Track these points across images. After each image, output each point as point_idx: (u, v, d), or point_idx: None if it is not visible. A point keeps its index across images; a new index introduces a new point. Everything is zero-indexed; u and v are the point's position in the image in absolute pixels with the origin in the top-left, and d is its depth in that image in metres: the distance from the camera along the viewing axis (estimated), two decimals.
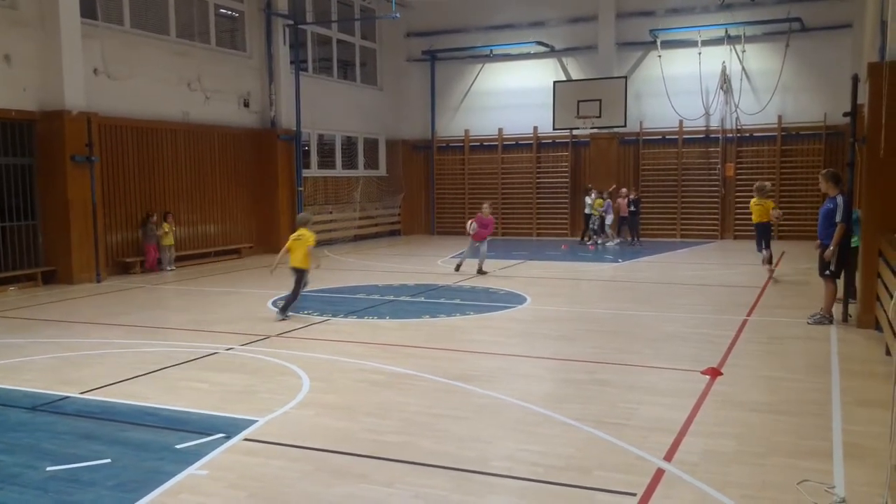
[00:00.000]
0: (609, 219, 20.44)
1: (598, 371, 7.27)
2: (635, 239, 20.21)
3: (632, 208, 20.11)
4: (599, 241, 20.34)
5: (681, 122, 21.72)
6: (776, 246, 18.59)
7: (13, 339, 9.09)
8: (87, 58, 14.29)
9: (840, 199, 9.20)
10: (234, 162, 18.42)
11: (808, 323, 9.31)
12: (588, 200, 20.65)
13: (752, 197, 13.94)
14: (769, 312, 10.24)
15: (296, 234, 10.18)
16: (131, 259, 15.38)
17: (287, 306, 10.14)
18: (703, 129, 21.73)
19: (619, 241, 20.52)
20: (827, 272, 9.37)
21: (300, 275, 10.22)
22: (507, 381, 6.96)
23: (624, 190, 20.62)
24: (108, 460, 5.00)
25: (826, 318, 9.38)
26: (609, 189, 20.80)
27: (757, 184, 14.06)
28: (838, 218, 9.11)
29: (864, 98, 10.62)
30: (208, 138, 17.63)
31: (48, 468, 4.87)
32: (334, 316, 10.31)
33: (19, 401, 6.44)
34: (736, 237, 21.36)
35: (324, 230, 21.27)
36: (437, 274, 14.88)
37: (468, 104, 24.56)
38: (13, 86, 13.30)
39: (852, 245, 9.49)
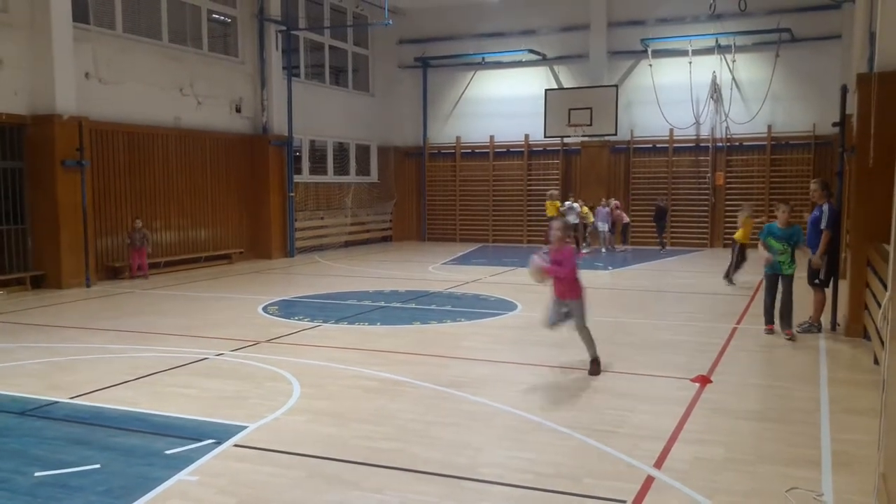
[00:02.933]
0: (605, 226, 20.44)
1: (589, 378, 7.29)
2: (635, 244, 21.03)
3: (658, 216, 20.96)
4: (604, 250, 20.39)
5: (671, 130, 21.83)
6: (764, 254, 18.73)
7: (2, 343, 9.03)
8: (78, 62, 14.26)
9: (826, 207, 9.29)
10: (225, 167, 18.39)
11: (797, 331, 9.36)
12: (569, 216, 20.59)
13: (741, 210, 14.36)
14: (758, 321, 10.25)
15: None
16: (121, 264, 15.32)
17: None
18: (694, 137, 21.85)
19: (625, 248, 20.74)
20: (816, 281, 9.43)
21: None
22: (499, 387, 6.97)
23: (613, 200, 20.84)
24: (98, 466, 4.98)
25: (815, 327, 9.44)
26: (605, 200, 20.92)
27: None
28: (823, 225, 9.21)
29: (852, 108, 10.71)
30: (200, 143, 17.60)
31: (36, 474, 4.85)
32: (325, 322, 10.30)
33: (7, 406, 6.40)
34: (725, 245, 21.39)
35: (315, 236, 21.30)
36: (428, 280, 14.88)
37: (460, 111, 24.63)
38: (4, 89, 13.25)
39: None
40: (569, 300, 7.37)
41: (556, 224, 7.32)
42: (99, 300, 12.70)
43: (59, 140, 13.62)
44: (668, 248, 21.17)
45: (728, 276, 13.93)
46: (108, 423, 5.90)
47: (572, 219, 20.31)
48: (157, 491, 4.58)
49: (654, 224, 21.20)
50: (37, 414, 6.19)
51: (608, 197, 21.24)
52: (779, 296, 9.20)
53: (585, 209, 20.60)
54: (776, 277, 9.21)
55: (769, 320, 9.32)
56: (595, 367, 7.38)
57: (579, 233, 20.66)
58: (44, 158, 13.66)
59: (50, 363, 8.01)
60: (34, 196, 13.83)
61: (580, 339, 7.45)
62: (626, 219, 21.07)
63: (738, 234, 13.91)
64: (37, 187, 13.78)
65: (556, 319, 7.53)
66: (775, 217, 9.53)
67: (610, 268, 17.05)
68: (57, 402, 6.50)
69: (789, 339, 8.88)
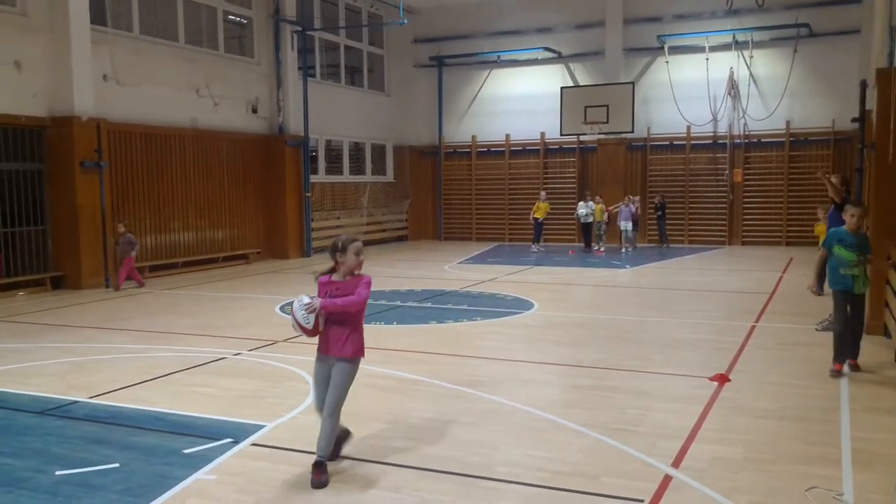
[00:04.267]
0: (628, 224, 20.32)
1: (606, 377, 7.26)
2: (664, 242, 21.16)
3: (659, 213, 21.03)
4: (624, 249, 20.27)
5: (688, 127, 21.68)
6: (783, 252, 18.58)
7: (22, 343, 9.14)
8: (96, 64, 14.38)
9: None
10: (242, 168, 18.48)
11: (817, 329, 9.27)
12: (583, 210, 20.59)
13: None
14: (777, 319, 10.21)
15: None
16: (140, 265, 15.42)
17: None
18: (711, 134, 21.69)
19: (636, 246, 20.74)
20: None
21: None
22: (514, 386, 6.95)
23: (631, 196, 20.78)
24: (117, 465, 5.02)
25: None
26: (626, 198, 20.86)
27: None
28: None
29: (872, 104, 10.59)
30: (216, 144, 17.70)
31: (57, 472, 4.90)
32: None
33: (28, 405, 6.47)
34: (744, 243, 21.29)
35: (331, 236, 21.26)
36: (444, 279, 14.88)
37: (475, 110, 24.60)
38: (23, 92, 13.39)
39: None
40: (335, 357, 4.78)
41: (354, 246, 4.75)
42: (117, 300, 12.80)
43: (77, 142, 13.75)
44: (669, 245, 21.04)
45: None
46: (128, 423, 5.95)
47: (583, 213, 20.38)
48: (176, 490, 4.61)
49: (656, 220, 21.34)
50: (57, 413, 6.25)
51: (629, 195, 21.11)
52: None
53: (599, 207, 20.52)
54: (847, 296, 7.21)
55: (843, 355, 7.22)
56: (318, 474, 4.68)
57: (594, 231, 20.63)
58: (63, 160, 13.80)
59: (69, 363, 8.09)
60: (53, 197, 13.97)
61: (320, 425, 4.81)
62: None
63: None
64: (56, 189, 13.92)
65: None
66: (817, 219, 9.02)
67: (628, 266, 16.98)
68: (77, 402, 6.56)
69: (854, 370, 7.23)
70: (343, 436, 4.99)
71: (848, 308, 7.19)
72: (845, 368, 7.18)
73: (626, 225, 20.35)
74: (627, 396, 6.57)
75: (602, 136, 22.26)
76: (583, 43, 22.87)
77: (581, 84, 22.88)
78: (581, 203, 20.94)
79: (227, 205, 18.07)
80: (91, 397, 6.69)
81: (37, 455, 5.25)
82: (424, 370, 7.48)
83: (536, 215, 21.06)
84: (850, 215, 7.22)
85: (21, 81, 13.37)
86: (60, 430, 5.81)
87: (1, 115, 13.08)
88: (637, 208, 20.52)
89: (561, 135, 22.62)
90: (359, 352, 4.84)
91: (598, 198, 20.84)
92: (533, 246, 20.96)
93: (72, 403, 6.52)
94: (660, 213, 21.12)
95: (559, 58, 23.20)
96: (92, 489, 4.63)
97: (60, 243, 13.99)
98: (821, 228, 12.37)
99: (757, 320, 10.11)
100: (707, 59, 21.19)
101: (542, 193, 21.55)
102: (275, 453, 5.24)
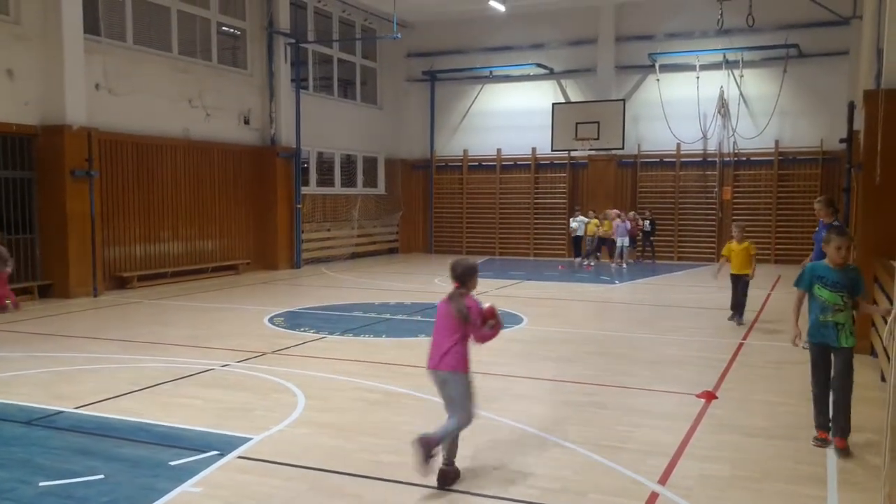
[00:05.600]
0: (624, 241, 20.16)
1: (595, 393, 7.27)
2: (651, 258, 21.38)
3: (647, 229, 21.17)
4: (615, 265, 20.20)
5: (678, 145, 21.82)
6: (772, 270, 18.67)
7: (8, 352, 9.07)
8: (88, 73, 14.37)
9: (834, 224, 9.25)
10: (233, 178, 18.46)
11: (804, 347, 9.30)
12: (574, 224, 20.56)
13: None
14: (765, 336, 10.25)
15: None
16: (129, 274, 15.37)
17: None
18: (701, 152, 21.83)
19: (631, 262, 20.74)
20: None
21: None
22: (504, 401, 6.95)
23: (615, 211, 20.74)
24: (102, 476, 4.98)
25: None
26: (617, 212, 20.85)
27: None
28: None
29: (860, 124, 10.70)
30: (208, 155, 17.69)
31: (41, 483, 4.86)
32: (331, 334, 10.30)
33: (13, 415, 6.42)
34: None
35: (322, 247, 21.34)
36: (434, 293, 14.86)
37: (467, 124, 24.69)
38: (15, 100, 13.36)
39: None
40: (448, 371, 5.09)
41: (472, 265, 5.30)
42: (106, 310, 12.73)
43: (68, 150, 13.71)
44: (640, 260, 21.14)
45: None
46: (114, 434, 5.91)
47: (576, 227, 20.36)
48: (161, 502, 4.58)
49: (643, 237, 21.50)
50: (42, 424, 6.20)
51: (623, 210, 21.10)
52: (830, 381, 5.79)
53: (593, 223, 20.44)
54: (828, 352, 5.74)
55: (824, 423, 5.74)
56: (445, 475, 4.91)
57: (586, 247, 20.56)
58: (53, 169, 13.75)
59: (56, 373, 8.03)
60: (43, 206, 13.91)
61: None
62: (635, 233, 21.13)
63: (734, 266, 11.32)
64: (46, 197, 13.87)
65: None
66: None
67: (617, 282, 17.02)
68: (63, 412, 6.51)
69: (843, 453, 5.48)
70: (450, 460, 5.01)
71: (834, 364, 5.68)
72: (836, 449, 5.53)
73: (622, 241, 20.24)
74: (616, 413, 6.58)
75: (593, 152, 22.37)
76: (575, 59, 23.02)
77: (572, 100, 23.00)
78: (572, 218, 20.92)
79: (217, 215, 18.04)
80: (77, 408, 6.64)
81: (21, 466, 5.21)
82: (413, 384, 7.47)
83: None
84: (834, 247, 5.63)
85: (13, 89, 13.34)
86: (45, 441, 5.76)
87: None
88: (632, 226, 20.52)
89: (552, 150, 22.70)
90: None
91: (591, 213, 20.71)
92: (585, 261, 20.44)
93: (57, 414, 6.47)
94: (648, 229, 21.25)
95: (551, 74, 23.34)
96: (76, 501, 4.59)
97: (49, 252, 13.92)
98: None
99: (745, 338, 10.15)
100: (698, 78, 21.37)
101: (591, 213, 20.74)
102: (261, 466, 5.22)
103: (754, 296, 13.92)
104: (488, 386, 7.58)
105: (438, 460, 4.86)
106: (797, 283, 5.90)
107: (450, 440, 4.90)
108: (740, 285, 11.23)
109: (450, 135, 24.92)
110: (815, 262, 6.16)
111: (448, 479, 4.87)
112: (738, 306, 11.29)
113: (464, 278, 5.19)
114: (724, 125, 21.49)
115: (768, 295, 14.28)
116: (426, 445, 4.70)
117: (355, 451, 5.51)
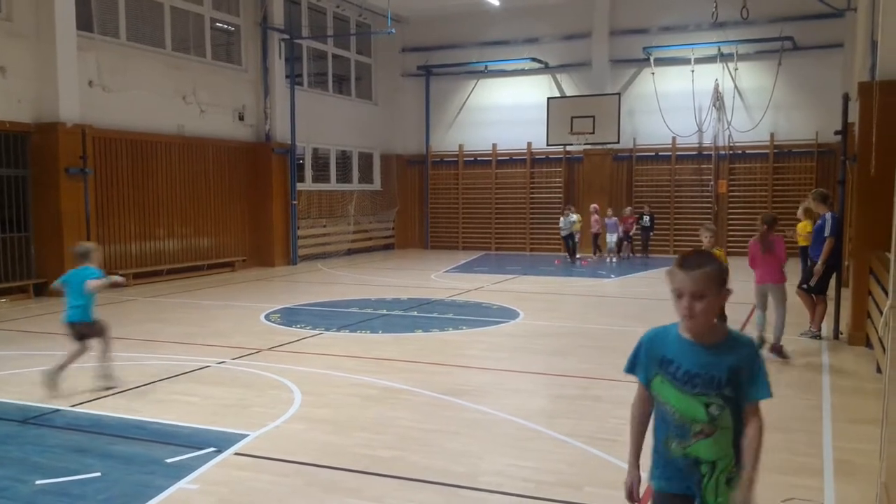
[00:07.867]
0: (613, 237, 20.29)
1: (591, 387, 7.28)
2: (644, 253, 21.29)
3: (647, 224, 21.13)
4: (610, 259, 20.27)
5: (674, 138, 21.84)
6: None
7: (4, 351, 9.06)
8: (82, 70, 14.32)
9: (829, 216, 9.31)
10: (228, 175, 18.43)
11: (801, 336, 9.33)
12: (561, 223, 20.41)
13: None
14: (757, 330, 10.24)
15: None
16: (124, 271, 15.31)
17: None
18: (696, 145, 21.85)
19: (626, 256, 20.75)
20: (804, 286, 9.48)
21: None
22: (500, 395, 6.96)
23: (594, 206, 20.76)
24: (98, 474, 4.97)
25: (816, 335, 9.42)
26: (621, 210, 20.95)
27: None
28: (827, 233, 9.22)
29: (854, 117, 10.71)
30: (203, 151, 17.64)
31: (37, 482, 4.85)
32: (327, 330, 10.30)
33: (9, 413, 6.41)
34: (729, 253, 21.31)
35: (317, 244, 21.32)
36: (430, 288, 14.87)
37: (462, 119, 24.67)
38: (8, 97, 13.31)
39: None
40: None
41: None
42: (100, 308, 12.66)
43: (62, 148, 13.67)
44: (627, 256, 21.07)
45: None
46: (110, 431, 5.90)
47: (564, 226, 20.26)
48: (158, 499, 4.58)
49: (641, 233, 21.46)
50: (38, 422, 6.19)
51: (614, 206, 21.16)
52: None
53: (579, 222, 20.30)
54: None
55: None
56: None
57: (571, 244, 20.42)
58: (47, 166, 13.71)
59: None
60: (37, 204, 13.87)
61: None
62: (630, 228, 21.13)
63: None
64: (40, 195, 13.83)
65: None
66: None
67: (612, 276, 17.04)
68: (58, 410, 6.50)
69: None
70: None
71: None
72: None
73: (611, 237, 20.37)
74: (611, 406, 6.59)
75: (588, 147, 22.37)
76: (570, 54, 23.00)
77: (568, 94, 23.00)
78: (562, 217, 20.69)
79: (212, 212, 18.00)
80: (73, 405, 6.63)
81: (16, 464, 5.20)
82: (409, 379, 7.47)
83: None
84: (675, 294, 2.90)
85: (6, 87, 13.29)
86: (41, 439, 5.75)
87: None
88: (624, 226, 20.54)
89: (547, 145, 22.72)
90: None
91: (570, 208, 20.57)
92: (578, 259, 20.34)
93: (53, 412, 6.46)
94: (647, 224, 21.19)
95: (546, 68, 23.32)
96: (72, 499, 4.59)
97: (44, 250, 13.88)
98: (804, 226, 10.86)
99: (741, 330, 10.14)
100: (692, 71, 21.37)
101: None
102: (258, 463, 5.22)
103: (749, 288, 13.93)
104: (483, 380, 7.60)
105: None
106: (628, 368, 3.10)
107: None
108: None
109: (445, 130, 24.90)
110: (659, 328, 3.17)
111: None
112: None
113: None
114: (719, 118, 21.51)
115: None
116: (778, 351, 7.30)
117: (352, 447, 5.51)
